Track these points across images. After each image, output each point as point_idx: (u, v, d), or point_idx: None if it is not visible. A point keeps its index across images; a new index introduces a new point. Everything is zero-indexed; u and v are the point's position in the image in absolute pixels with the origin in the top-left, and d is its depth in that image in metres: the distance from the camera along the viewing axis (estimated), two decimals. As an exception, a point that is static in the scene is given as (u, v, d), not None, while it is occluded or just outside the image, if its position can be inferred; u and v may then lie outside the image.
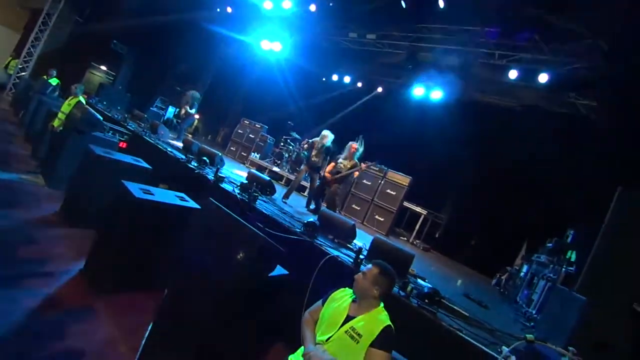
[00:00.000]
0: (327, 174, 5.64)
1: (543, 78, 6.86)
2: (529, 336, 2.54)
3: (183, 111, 8.60)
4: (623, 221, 3.38)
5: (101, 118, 5.64)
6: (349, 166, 5.58)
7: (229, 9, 10.23)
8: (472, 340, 2.49)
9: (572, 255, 4.90)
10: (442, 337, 2.54)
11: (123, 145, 5.80)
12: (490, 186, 7.98)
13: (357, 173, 5.77)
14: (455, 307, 3.00)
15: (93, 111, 5.64)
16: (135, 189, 3.03)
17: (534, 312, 4.62)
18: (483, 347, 2.44)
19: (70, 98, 5.99)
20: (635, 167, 3.90)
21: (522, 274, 6.17)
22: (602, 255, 3.43)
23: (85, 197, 4.01)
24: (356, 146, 5.67)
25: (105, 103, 9.40)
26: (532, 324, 4.12)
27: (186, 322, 2.33)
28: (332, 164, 5.74)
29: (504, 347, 2.52)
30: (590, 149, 5.40)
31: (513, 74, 7.23)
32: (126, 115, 8.27)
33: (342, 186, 5.97)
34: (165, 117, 12.45)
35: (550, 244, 5.58)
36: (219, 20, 11.60)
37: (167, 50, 12.56)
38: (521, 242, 7.40)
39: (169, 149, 5.77)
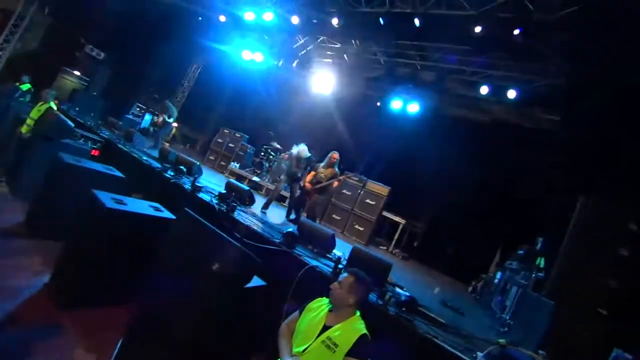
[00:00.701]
0: (307, 184, 5.63)
1: (512, 94, 7.26)
2: (502, 341, 2.63)
3: (160, 119, 8.43)
4: (585, 227, 3.59)
5: (72, 125, 5.44)
6: (329, 175, 5.61)
7: (222, 18, 10.08)
8: (448, 347, 2.54)
9: (542, 262, 5.11)
10: (419, 344, 2.58)
11: (95, 153, 5.60)
12: (466, 196, 8.24)
13: (337, 183, 5.79)
14: (432, 315, 3.06)
15: (64, 117, 5.43)
16: (106, 198, 2.92)
17: (507, 317, 4.75)
18: (458, 353, 2.50)
19: (40, 104, 5.74)
20: (594, 178, 4.17)
21: (496, 280, 6.37)
22: (567, 261, 3.61)
23: (53, 207, 3.82)
24: (336, 156, 5.67)
25: (77, 109, 9.05)
26: (505, 329, 4.24)
27: (159, 336, 2.25)
28: (312, 173, 5.72)
29: (478, 353, 2.59)
30: (556, 161, 5.72)
31: (484, 90, 7.61)
32: (100, 122, 8.00)
33: (322, 196, 5.96)
34: (142, 125, 12.12)
35: (521, 251, 5.81)
36: (199, 28, 11.56)
37: (145, 57, 12.31)
38: (495, 250, 7.66)
39: (144, 158, 5.62)
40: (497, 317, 5.07)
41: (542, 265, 5.08)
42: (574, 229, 3.73)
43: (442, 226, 8.90)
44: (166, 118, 8.30)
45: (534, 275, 4.93)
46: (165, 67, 12.84)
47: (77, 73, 12.15)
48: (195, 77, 14.36)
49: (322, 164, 5.73)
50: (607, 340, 3.06)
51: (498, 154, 7.87)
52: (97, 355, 2.43)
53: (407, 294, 3.16)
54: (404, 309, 2.84)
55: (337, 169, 5.67)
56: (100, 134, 6.54)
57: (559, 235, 4.06)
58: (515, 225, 7.57)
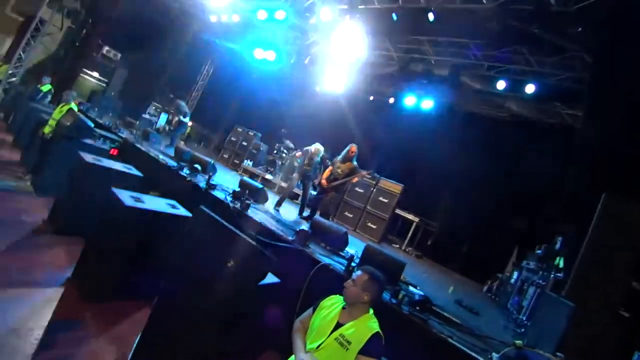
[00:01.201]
0: (323, 181, 5.52)
1: (530, 89, 7.05)
2: (518, 342, 2.58)
3: (176, 119, 8.59)
4: (607, 227, 3.47)
5: (92, 125, 5.61)
6: (346, 170, 5.43)
7: (235, 18, 10.18)
8: (462, 347, 2.51)
9: (560, 262, 4.97)
10: (432, 344, 2.56)
11: (114, 152, 5.76)
12: (482, 193, 8.09)
13: (356, 179, 5.57)
14: (446, 314, 3.03)
15: (84, 118, 5.61)
16: (125, 196, 3.01)
17: (524, 318, 4.66)
18: (473, 354, 2.46)
19: (62, 105, 5.95)
20: (618, 175, 4.02)
21: (512, 280, 6.23)
22: (588, 261, 3.50)
23: (75, 204, 3.96)
24: (354, 149, 5.48)
25: (96, 110, 9.34)
26: (522, 330, 4.16)
27: (176, 331, 2.31)
28: (330, 168, 5.58)
29: (493, 354, 2.54)
30: (577, 157, 5.55)
31: (501, 85, 7.42)
32: (118, 122, 8.22)
33: (338, 194, 5.81)
34: (158, 124, 12.40)
35: (539, 251, 5.66)
36: (212, 28, 11.70)
37: (160, 57, 12.57)
38: (512, 249, 7.49)
39: (160, 156, 5.74)
40: (513, 317, 4.97)
41: (561, 266, 4.93)
42: (596, 228, 3.60)
43: (456, 224, 8.75)
44: (181, 118, 8.44)
45: (552, 275, 4.80)
46: (179, 66, 13.07)
47: (95, 74, 12.52)
48: (208, 76, 14.56)
49: (339, 158, 5.56)
50: (629, 343, 2.97)
51: (516, 151, 7.68)
52: (116, 348, 2.51)
53: (421, 293, 3.13)
54: (417, 308, 2.82)
55: (355, 163, 5.49)
56: (118, 134, 6.72)
57: (579, 235, 3.94)
58: (533, 223, 7.38)
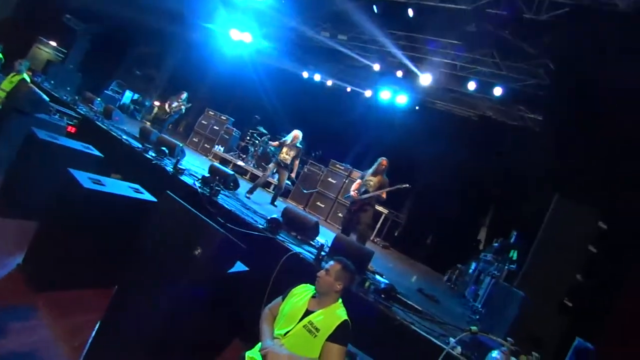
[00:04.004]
0: (353, 193, 5.08)
1: (498, 91, 7.39)
2: (473, 328, 2.74)
3: (175, 104, 8.51)
4: (557, 224, 3.77)
5: (47, 99, 5.15)
6: (377, 184, 5.09)
7: None
8: (423, 333, 2.65)
9: (514, 255, 5.35)
10: (395, 330, 2.68)
11: (72, 129, 5.35)
12: (447, 188, 8.45)
13: (384, 195, 5.10)
14: (409, 302, 3.17)
15: (38, 90, 5.14)
16: (83, 178, 2.81)
17: (479, 306, 4.99)
18: (432, 339, 2.62)
19: (12, 75, 5.41)
20: (570, 178, 4.36)
21: (470, 270, 6.63)
22: (538, 255, 3.79)
23: (26, 185, 3.65)
24: (385, 162, 5.16)
25: (52, 82, 8.59)
26: (477, 317, 4.46)
27: (138, 320, 2.23)
28: (359, 182, 5.25)
29: (450, 339, 2.70)
30: (534, 159, 5.93)
31: (472, 86, 7.71)
32: (76, 98, 7.62)
33: (369, 210, 5.10)
34: (121, 102, 11.64)
35: (496, 244, 6.05)
36: (185, 3, 11.07)
37: (127, 30, 11.72)
38: (473, 242, 7.95)
39: (123, 137, 5.42)
40: (470, 305, 5.31)
41: (515, 258, 5.32)
42: (547, 224, 3.90)
43: (422, 217, 9.12)
44: (182, 105, 8.41)
45: (506, 266, 5.17)
46: (148, 41, 12.28)
47: (53, 44, 11.46)
48: (180, 54, 13.82)
49: (370, 171, 5.20)
50: (571, 330, 3.27)
51: (481, 149, 8.07)
52: (73, 338, 2.39)
53: (386, 281, 3.24)
54: (382, 296, 2.92)
55: (385, 177, 5.17)
56: (77, 110, 6.24)
57: (532, 230, 4.25)
58: (492, 218, 7.87)
